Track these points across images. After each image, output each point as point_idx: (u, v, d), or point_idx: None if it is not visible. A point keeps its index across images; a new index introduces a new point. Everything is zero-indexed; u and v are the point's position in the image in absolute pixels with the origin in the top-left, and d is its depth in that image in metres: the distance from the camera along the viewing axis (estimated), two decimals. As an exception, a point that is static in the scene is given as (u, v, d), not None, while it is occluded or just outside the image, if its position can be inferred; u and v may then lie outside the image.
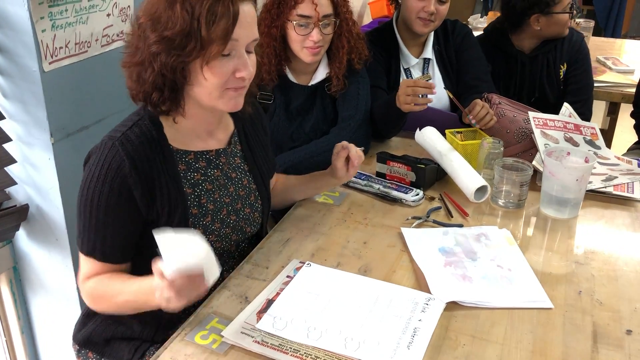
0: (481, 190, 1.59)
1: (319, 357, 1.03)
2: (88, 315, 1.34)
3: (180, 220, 1.18)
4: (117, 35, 1.78)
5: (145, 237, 1.15)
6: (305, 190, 1.60)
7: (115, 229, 1.14)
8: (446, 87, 1.99)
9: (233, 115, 1.32)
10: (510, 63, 2.33)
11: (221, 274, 1.26)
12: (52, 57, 1.57)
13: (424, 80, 1.73)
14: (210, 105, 1.16)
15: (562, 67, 2.35)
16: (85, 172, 1.15)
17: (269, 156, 1.43)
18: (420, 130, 1.77)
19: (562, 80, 2.36)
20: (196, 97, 1.15)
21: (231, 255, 1.35)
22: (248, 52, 1.14)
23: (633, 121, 2.56)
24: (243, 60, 1.12)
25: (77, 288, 1.83)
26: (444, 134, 1.78)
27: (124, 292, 1.14)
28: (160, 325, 1.25)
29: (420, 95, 1.72)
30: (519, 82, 2.35)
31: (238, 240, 1.32)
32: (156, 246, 0.95)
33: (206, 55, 1.08)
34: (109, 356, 1.29)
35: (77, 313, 1.49)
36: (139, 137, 1.14)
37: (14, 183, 1.72)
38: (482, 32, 2.50)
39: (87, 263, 1.18)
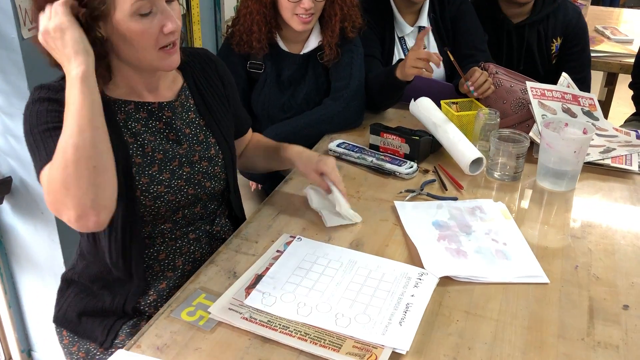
0: (477, 162, 1.55)
1: (308, 334, 1.00)
2: (61, 291, 1.32)
3: (123, 169, 1.13)
4: None
5: None
6: (267, 164, 1.51)
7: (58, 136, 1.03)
8: (446, 47, 1.92)
9: (181, 68, 1.27)
10: (497, 32, 2.26)
11: (191, 234, 1.28)
12: (31, 23, 1.50)
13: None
14: (147, 66, 1.13)
15: (554, 40, 2.27)
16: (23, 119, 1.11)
17: (230, 108, 1.36)
18: (414, 100, 1.73)
19: (554, 54, 2.30)
20: (131, 62, 1.12)
21: (197, 215, 1.29)
22: (169, 1, 1.10)
23: (631, 92, 2.52)
24: (167, 14, 1.08)
25: (63, 257, 1.81)
26: (439, 105, 1.73)
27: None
28: (129, 293, 1.23)
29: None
30: (506, 51, 2.28)
31: (197, 195, 1.26)
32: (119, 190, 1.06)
33: (118, 15, 1.04)
34: (83, 335, 1.26)
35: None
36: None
37: (-5, 155, 1.67)
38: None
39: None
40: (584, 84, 2.14)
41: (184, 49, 1.25)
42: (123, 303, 1.23)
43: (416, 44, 1.70)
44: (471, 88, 1.73)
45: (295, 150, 1.41)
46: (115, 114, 1.16)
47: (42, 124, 1.07)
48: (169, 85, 1.25)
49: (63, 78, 1.07)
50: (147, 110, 1.20)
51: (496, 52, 2.27)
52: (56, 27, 1.00)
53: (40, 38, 1.03)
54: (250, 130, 1.52)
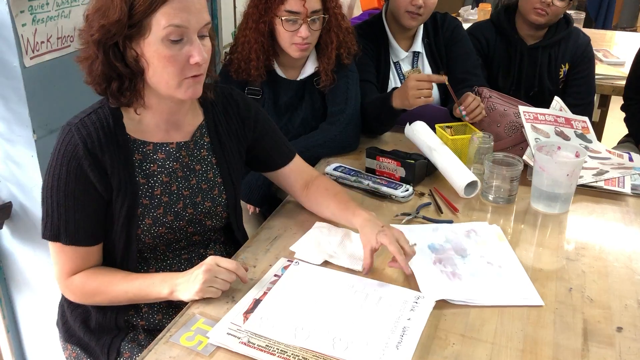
0: (471, 185, 1.58)
1: (306, 358, 1.01)
2: (62, 307, 1.35)
3: (128, 209, 1.19)
4: (101, 29, 1.74)
5: (107, 218, 1.21)
6: (332, 217, 1.42)
7: (77, 211, 1.16)
8: (443, 72, 1.95)
9: (204, 106, 1.30)
10: (510, 52, 2.31)
11: (185, 255, 1.33)
12: (33, 52, 1.54)
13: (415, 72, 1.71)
14: (169, 95, 1.16)
15: (563, 66, 2.32)
16: (50, 158, 1.17)
17: (241, 149, 1.37)
18: (410, 124, 1.76)
19: (561, 79, 2.34)
20: (155, 87, 1.16)
21: (192, 242, 1.33)
22: (202, 37, 1.14)
23: (623, 114, 2.55)
24: (196, 46, 1.12)
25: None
26: (433, 129, 1.76)
27: (123, 284, 1.19)
28: (119, 308, 1.26)
29: None
30: (517, 73, 2.32)
31: (197, 232, 1.31)
32: (120, 227, 1.19)
33: (150, 38, 1.08)
34: (86, 351, 1.29)
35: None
36: (94, 123, 1.16)
37: (-4, 181, 1.69)
38: (472, 24, 2.48)
39: (59, 255, 1.19)
40: (586, 111, 2.17)
41: (216, 86, 1.31)
42: (115, 317, 1.25)
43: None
44: (463, 112, 1.76)
45: (362, 219, 1.30)
46: (132, 154, 1.20)
47: (63, 189, 1.15)
48: (190, 121, 1.28)
49: (91, 112, 1.17)
50: (166, 151, 1.24)
51: (506, 72, 2.31)
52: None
53: (207, 275, 1.14)
54: (295, 163, 1.46)
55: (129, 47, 1.11)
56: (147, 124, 1.22)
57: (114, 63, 1.11)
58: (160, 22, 1.07)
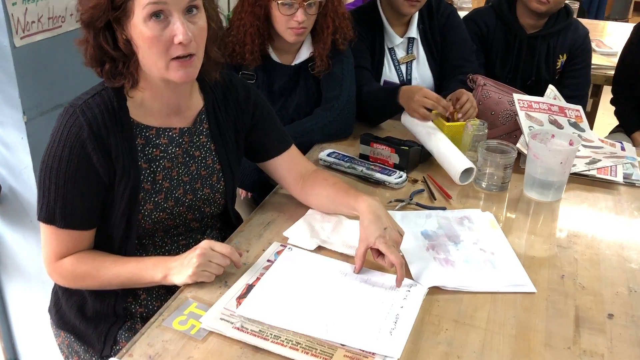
0: (467, 172, 1.58)
1: (300, 343, 1.01)
2: (56, 293, 1.34)
3: (130, 193, 1.18)
4: (93, 10, 1.72)
5: (107, 203, 1.19)
6: (334, 208, 1.37)
7: (75, 195, 1.14)
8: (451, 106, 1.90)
9: (204, 91, 1.28)
10: (509, 39, 2.30)
11: (182, 241, 1.32)
12: (23, 31, 1.51)
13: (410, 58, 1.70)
14: (161, 77, 1.13)
15: (561, 57, 2.31)
16: (49, 139, 1.15)
17: (240, 136, 1.35)
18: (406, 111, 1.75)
19: (558, 70, 2.33)
20: (147, 70, 1.14)
21: (190, 228, 1.32)
22: (190, 13, 1.10)
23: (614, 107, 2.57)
24: (178, 25, 1.07)
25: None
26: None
27: (115, 268, 1.17)
28: (118, 294, 1.25)
29: None
30: (514, 61, 2.32)
31: (195, 218, 1.30)
32: (122, 212, 1.17)
33: (134, 20, 1.06)
34: (81, 339, 1.28)
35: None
36: (99, 105, 1.14)
37: (-15, 163, 1.66)
38: (467, 12, 2.47)
39: (51, 237, 1.17)
40: (580, 103, 2.17)
41: (234, 78, 1.31)
42: (113, 305, 1.24)
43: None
44: (459, 115, 1.74)
45: (367, 205, 1.23)
46: (135, 138, 1.18)
47: (64, 171, 1.12)
48: (190, 106, 1.26)
49: (95, 94, 1.15)
50: (169, 136, 1.22)
51: (504, 59, 2.31)
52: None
53: (201, 259, 1.13)
54: (290, 154, 1.42)
55: (119, 30, 1.08)
56: (149, 107, 1.20)
57: (103, 45, 1.09)
58: (141, 1, 1.05)
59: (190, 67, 1.13)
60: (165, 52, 1.09)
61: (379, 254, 1.19)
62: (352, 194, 1.30)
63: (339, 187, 1.35)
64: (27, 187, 1.69)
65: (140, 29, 1.07)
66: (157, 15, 1.06)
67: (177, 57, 1.10)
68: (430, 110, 1.71)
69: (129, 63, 1.12)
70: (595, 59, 2.83)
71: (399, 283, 1.15)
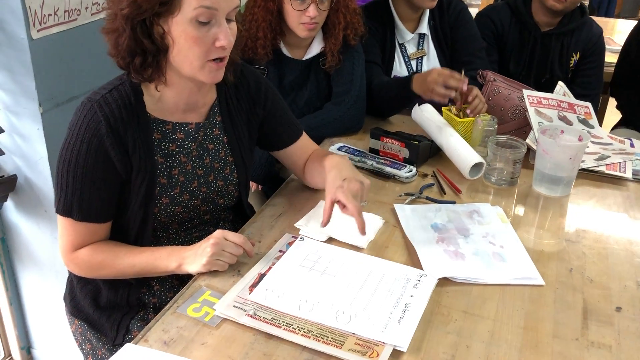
0: (476, 167, 1.59)
1: (311, 331, 1.03)
2: (71, 282, 1.36)
3: (147, 188, 1.20)
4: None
5: (124, 197, 1.21)
6: (321, 180, 1.38)
7: (93, 189, 1.16)
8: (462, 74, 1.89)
9: (217, 84, 1.30)
10: (523, 37, 2.30)
11: (195, 233, 1.34)
12: (40, 24, 1.53)
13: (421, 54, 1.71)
14: (191, 75, 1.15)
15: (574, 55, 2.31)
16: (66, 133, 1.17)
17: (252, 128, 1.37)
18: (418, 106, 1.77)
19: (571, 68, 2.33)
20: (177, 67, 1.15)
21: (203, 221, 1.34)
22: (229, 20, 1.13)
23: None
24: (223, 29, 1.11)
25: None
26: (439, 111, 1.77)
27: (130, 258, 1.20)
28: (132, 285, 1.28)
29: None
30: (528, 59, 2.32)
31: (209, 210, 1.33)
32: (138, 206, 1.18)
33: (179, 17, 1.07)
34: (94, 327, 1.30)
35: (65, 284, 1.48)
36: (116, 100, 1.15)
37: (1, 153, 1.69)
38: (476, 8, 2.47)
39: (68, 229, 1.20)
40: (592, 102, 2.17)
41: (247, 71, 1.33)
42: (127, 295, 1.26)
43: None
44: (467, 110, 1.75)
45: (329, 163, 1.31)
46: (152, 133, 1.20)
47: (81, 165, 1.14)
48: (204, 101, 1.28)
49: (112, 89, 1.16)
50: (185, 131, 1.24)
51: (518, 57, 2.31)
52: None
53: (215, 248, 1.15)
54: (302, 141, 1.46)
55: (156, 23, 1.09)
56: (166, 102, 1.21)
57: (140, 39, 1.09)
58: (192, 3, 1.06)
59: (221, 71, 1.16)
60: (205, 53, 1.11)
61: (344, 206, 1.21)
62: (325, 157, 1.36)
63: (319, 157, 1.40)
64: (42, 177, 1.72)
65: (184, 27, 1.08)
66: (207, 20, 1.09)
67: (214, 59, 1.13)
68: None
69: (160, 57, 1.13)
70: (606, 57, 2.83)
71: (361, 230, 1.19)
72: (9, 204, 1.80)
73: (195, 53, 1.11)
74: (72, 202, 1.16)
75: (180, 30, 1.09)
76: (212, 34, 1.10)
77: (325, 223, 1.22)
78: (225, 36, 1.11)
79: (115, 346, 1.27)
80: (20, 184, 1.75)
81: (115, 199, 1.21)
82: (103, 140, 1.13)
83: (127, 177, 1.18)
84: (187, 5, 1.07)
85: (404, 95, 1.81)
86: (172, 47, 1.11)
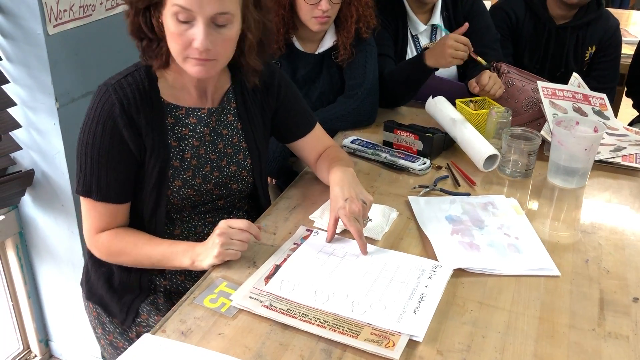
0: (491, 159, 1.58)
1: (327, 322, 1.04)
2: (86, 266, 1.39)
3: (160, 170, 1.23)
4: (122, -1, 1.75)
5: (138, 178, 1.24)
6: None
7: (109, 169, 1.19)
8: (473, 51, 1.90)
9: (232, 71, 1.32)
10: (538, 30, 2.28)
11: (209, 218, 1.35)
12: (56, 20, 1.55)
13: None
14: (180, 64, 1.18)
15: (590, 48, 2.28)
16: (84, 116, 1.21)
17: (266, 117, 1.38)
18: (432, 98, 1.76)
19: (586, 61, 2.31)
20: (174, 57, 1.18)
21: (218, 206, 1.36)
22: (219, 26, 1.12)
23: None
24: (200, 32, 1.10)
25: (82, 249, 1.84)
26: (453, 104, 1.76)
27: (148, 249, 1.22)
28: (143, 271, 1.30)
29: None
30: (543, 52, 2.30)
31: (222, 195, 1.34)
32: (151, 188, 1.21)
33: (165, 10, 1.11)
34: (106, 310, 1.33)
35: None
36: (130, 85, 1.19)
37: (19, 148, 1.71)
38: (490, 1, 2.45)
39: (90, 211, 1.23)
40: (608, 96, 2.16)
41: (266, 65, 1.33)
42: (139, 277, 1.29)
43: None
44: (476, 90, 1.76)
45: (333, 179, 1.31)
46: (165, 117, 1.23)
47: (98, 146, 1.18)
48: (218, 88, 1.30)
49: (127, 74, 1.20)
50: (197, 116, 1.27)
51: (533, 50, 2.29)
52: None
53: (223, 238, 1.16)
54: (315, 133, 1.47)
55: (155, 14, 1.14)
56: (179, 88, 1.24)
57: (140, 25, 1.15)
58: None
59: (207, 66, 1.16)
60: (184, 49, 1.13)
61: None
62: (331, 166, 1.36)
63: (329, 159, 1.42)
64: (59, 172, 1.74)
65: (167, 21, 1.13)
66: (185, 20, 1.11)
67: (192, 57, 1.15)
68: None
69: (162, 44, 1.18)
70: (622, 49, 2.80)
71: (363, 251, 1.22)
72: (26, 199, 1.82)
73: (174, 47, 1.15)
74: (92, 183, 1.19)
75: (166, 23, 1.13)
76: (190, 34, 1.12)
77: (330, 239, 1.26)
78: (201, 40, 1.10)
79: (124, 328, 1.30)
80: (37, 178, 1.77)
81: (132, 180, 1.23)
82: (117, 122, 1.17)
83: (142, 158, 1.22)
84: (169, 1, 1.11)
85: (419, 72, 1.81)
86: (166, 37, 1.16)
